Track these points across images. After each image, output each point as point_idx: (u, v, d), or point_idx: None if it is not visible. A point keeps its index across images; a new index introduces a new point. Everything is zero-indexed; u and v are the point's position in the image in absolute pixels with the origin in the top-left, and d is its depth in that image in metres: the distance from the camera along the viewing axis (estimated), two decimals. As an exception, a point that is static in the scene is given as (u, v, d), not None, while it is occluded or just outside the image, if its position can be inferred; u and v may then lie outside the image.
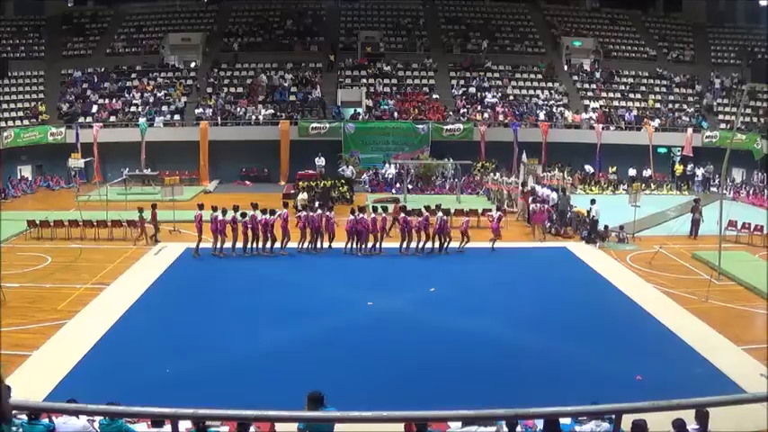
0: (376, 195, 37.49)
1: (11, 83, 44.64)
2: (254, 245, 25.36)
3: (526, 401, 5.42)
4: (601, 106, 46.04)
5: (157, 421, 9.99)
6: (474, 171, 40.53)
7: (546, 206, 29.67)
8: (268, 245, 25.47)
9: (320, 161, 40.45)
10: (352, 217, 25.62)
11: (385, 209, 27.40)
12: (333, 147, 42.27)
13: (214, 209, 25.04)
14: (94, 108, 44.29)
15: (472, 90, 47.15)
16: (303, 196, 30.60)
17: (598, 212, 28.06)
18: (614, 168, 42.81)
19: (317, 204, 28.02)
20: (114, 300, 20.10)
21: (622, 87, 48.53)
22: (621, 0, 55.54)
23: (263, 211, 25.36)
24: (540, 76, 48.70)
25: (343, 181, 36.58)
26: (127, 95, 45.53)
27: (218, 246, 25.14)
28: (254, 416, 4.95)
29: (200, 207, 25.44)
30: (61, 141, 41.84)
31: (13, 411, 9.65)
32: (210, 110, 44.05)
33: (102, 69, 47.36)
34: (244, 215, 25.12)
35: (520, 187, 33.98)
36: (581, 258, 25.66)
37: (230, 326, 18.18)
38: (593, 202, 28.91)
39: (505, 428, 10.18)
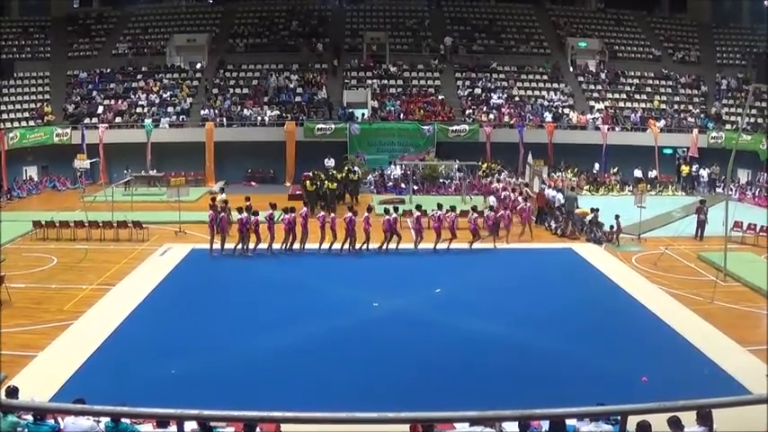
0: (381, 197, 37.46)
1: (16, 83, 44.72)
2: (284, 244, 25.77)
3: (532, 402, 5.42)
4: (606, 107, 45.93)
5: (163, 422, 10.00)
6: (480, 172, 40.46)
7: (528, 204, 29.80)
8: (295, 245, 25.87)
9: (330, 162, 40.41)
10: (387, 217, 25.96)
11: (396, 209, 27.36)
12: (339, 148, 42.19)
13: (239, 210, 25.19)
14: (100, 109, 44.32)
15: (478, 91, 47.11)
16: (222, 197, 30.32)
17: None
18: (616, 169, 42.80)
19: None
20: (120, 301, 20.16)
21: (628, 88, 48.40)
22: (626, 1, 55.48)
23: (286, 210, 25.73)
24: (545, 77, 48.61)
25: (352, 177, 36.59)
26: (132, 96, 45.53)
27: (244, 246, 25.31)
28: (259, 417, 4.96)
29: (222, 209, 25.63)
30: (67, 142, 41.88)
31: (19, 411, 9.72)
32: (216, 111, 44.07)
33: (108, 70, 47.41)
34: (255, 213, 25.30)
35: (523, 188, 33.90)
36: (586, 259, 25.63)
37: (235, 327, 18.22)
38: (593, 210, 29.09)
39: (509, 429, 10.18)
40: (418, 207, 27.08)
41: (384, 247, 26.00)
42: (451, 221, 26.58)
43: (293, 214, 25.60)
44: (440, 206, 27.32)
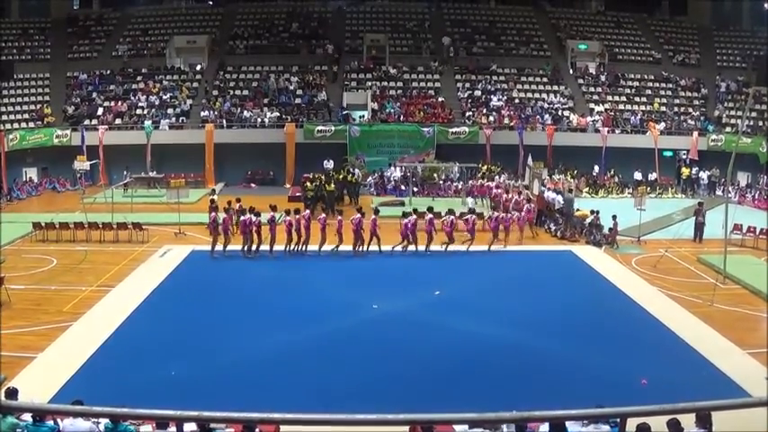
0: (381, 198, 37.47)
1: (16, 85, 44.77)
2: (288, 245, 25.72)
3: (531, 404, 5.41)
4: (606, 109, 45.98)
5: (162, 423, 10.00)
6: (479, 174, 40.47)
7: (533, 205, 29.85)
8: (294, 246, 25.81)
9: (328, 164, 40.45)
10: (405, 220, 26.07)
11: (415, 211, 27.43)
12: (338, 150, 42.26)
13: (243, 212, 25.13)
14: (100, 110, 44.35)
15: (478, 93, 47.13)
16: (212, 198, 30.44)
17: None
18: (612, 171, 42.91)
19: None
20: (119, 302, 20.13)
21: (628, 90, 48.46)
22: (627, 3, 55.53)
23: (288, 212, 25.76)
24: (545, 80, 48.66)
25: (349, 179, 36.76)
26: (132, 98, 45.56)
27: (247, 247, 25.31)
28: (259, 418, 4.94)
29: (226, 210, 25.57)
30: (67, 144, 41.89)
31: (19, 413, 9.72)
32: (216, 112, 44.08)
33: (108, 72, 47.43)
34: (258, 215, 25.31)
35: (522, 190, 33.99)
36: (586, 261, 25.63)
37: (235, 328, 18.20)
38: (593, 212, 29.19)
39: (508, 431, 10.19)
40: (430, 209, 27.13)
41: (400, 248, 26.13)
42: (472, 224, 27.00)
43: (298, 216, 25.62)
44: (451, 211, 27.54)
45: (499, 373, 15.56)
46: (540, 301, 20.75)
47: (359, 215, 25.86)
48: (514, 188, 35.20)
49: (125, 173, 39.67)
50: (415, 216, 26.21)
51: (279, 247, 25.52)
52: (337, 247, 25.80)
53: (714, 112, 46.28)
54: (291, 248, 25.64)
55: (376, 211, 26.72)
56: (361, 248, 25.89)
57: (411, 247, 26.15)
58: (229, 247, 25.38)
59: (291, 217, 25.46)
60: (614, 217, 28.05)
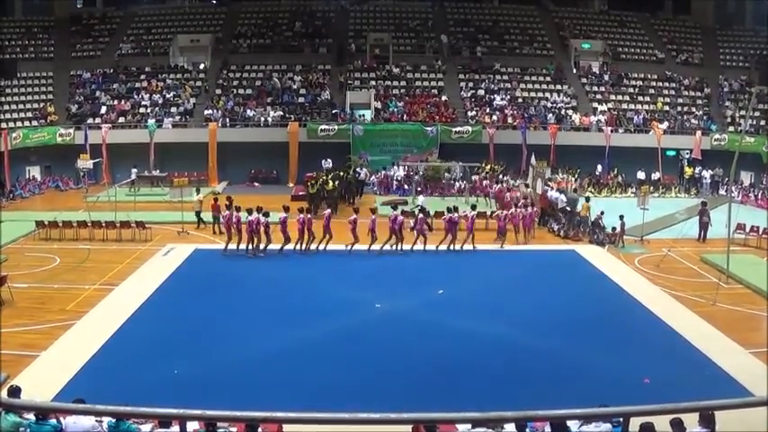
0: (384, 197, 37.47)
1: (20, 83, 44.74)
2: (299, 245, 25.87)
3: (534, 404, 5.41)
4: (609, 109, 45.90)
5: (165, 422, 10.00)
6: (482, 173, 40.41)
7: (532, 209, 29.85)
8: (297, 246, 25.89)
9: (327, 164, 40.42)
10: (450, 215, 26.41)
11: (456, 208, 27.46)
12: (342, 149, 42.24)
13: (250, 211, 25.12)
14: (103, 109, 44.32)
15: (481, 92, 47.10)
16: (199, 197, 30.54)
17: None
18: (615, 171, 42.85)
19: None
20: (122, 300, 20.15)
21: (631, 90, 48.36)
22: (630, 2, 55.44)
23: (301, 210, 25.90)
24: (548, 79, 48.59)
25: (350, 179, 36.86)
26: (136, 97, 45.56)
27: (254, 246, 25.34)
28: (262, 417, 4.96)
29: (238, 209, 25.61)
30: (70, 142, 41.90)
31: (22, 411, 9.73)
32: (219, 111, 44.09)
33: (111, 71, 47.43)
34: (266, 215, 25.29)
35: (524, 189, 34.02)
36: (589, 261, 25.59)
37: (238, 327, 18.22)
38: (587, 200, 29.43)
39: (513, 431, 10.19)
40: (473, 207, 27.60)
41: (452, 246, 26.49)
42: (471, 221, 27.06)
43: (310, 215, 25.70)
44: (473, 207, 28.20)
45: (502, 373, 15.56)
46: (543, 301, 20.77)
47: (395, 213, 26.08)
48: (514, 188, 35.19)
49: (133, 170, 39.75)
50: (457, 214, 26.56)
51: (287, 246, 25.58)
52: (371, 246, 25.87)
53: (726, 111, 46.13)
54: (303, 247, 25.68)
55: (421, 210, 27.24)
56: (396, 246, 26.05)
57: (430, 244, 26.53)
58: (234, 246, 25.46)
59: (304, 215, 25.51)
60: (621, 217, 28.04)
